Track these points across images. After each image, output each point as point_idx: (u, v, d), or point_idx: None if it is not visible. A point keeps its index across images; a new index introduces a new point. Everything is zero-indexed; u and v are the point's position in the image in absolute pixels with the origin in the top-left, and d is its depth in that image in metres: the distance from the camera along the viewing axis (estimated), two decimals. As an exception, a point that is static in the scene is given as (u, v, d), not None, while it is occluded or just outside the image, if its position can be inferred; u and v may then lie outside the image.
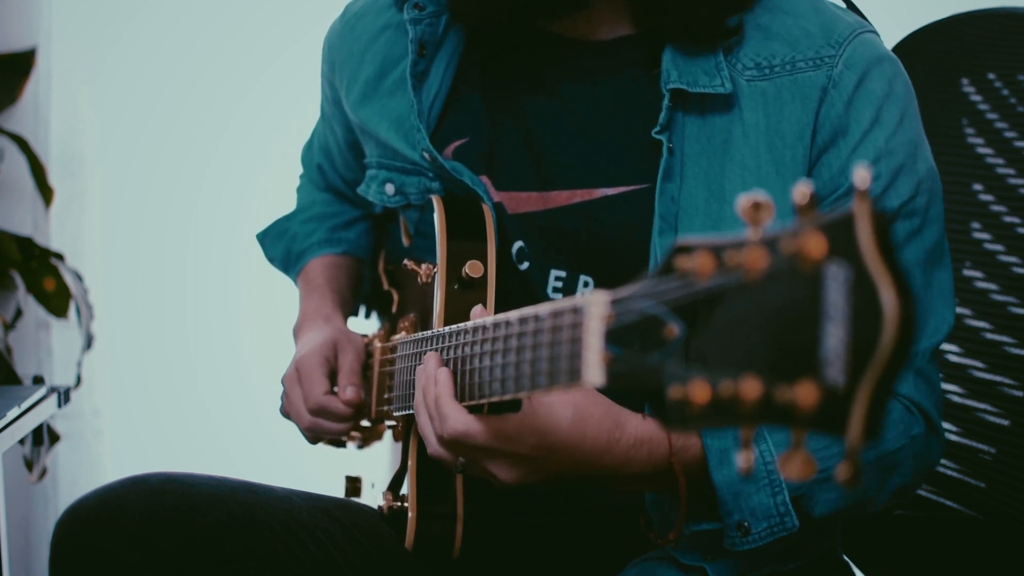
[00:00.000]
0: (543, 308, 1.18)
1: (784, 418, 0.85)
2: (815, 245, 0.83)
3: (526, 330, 1.21)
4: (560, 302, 1.15)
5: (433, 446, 1.39)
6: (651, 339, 0.97)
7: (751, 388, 0.86)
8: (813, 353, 0.83)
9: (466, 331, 1.36)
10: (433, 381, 1.37)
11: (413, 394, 1.53)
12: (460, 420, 1.33)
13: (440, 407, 1.35)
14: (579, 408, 1.36)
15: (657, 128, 1.52)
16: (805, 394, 0.83)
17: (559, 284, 1.61)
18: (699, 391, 0.90)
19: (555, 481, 1.40)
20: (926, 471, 1.61)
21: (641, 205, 1.55)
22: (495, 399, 1.28)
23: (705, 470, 1.45)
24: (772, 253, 0.86)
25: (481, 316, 1.39)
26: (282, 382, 1.75)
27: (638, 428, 1.40)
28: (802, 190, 0.86)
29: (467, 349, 1.35)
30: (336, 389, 1.70)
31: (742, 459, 0.91)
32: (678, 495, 1.45)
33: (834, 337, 0.82)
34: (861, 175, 0.83)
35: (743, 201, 0.89)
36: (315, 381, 1.69)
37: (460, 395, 1.35)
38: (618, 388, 1.04)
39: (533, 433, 1.33)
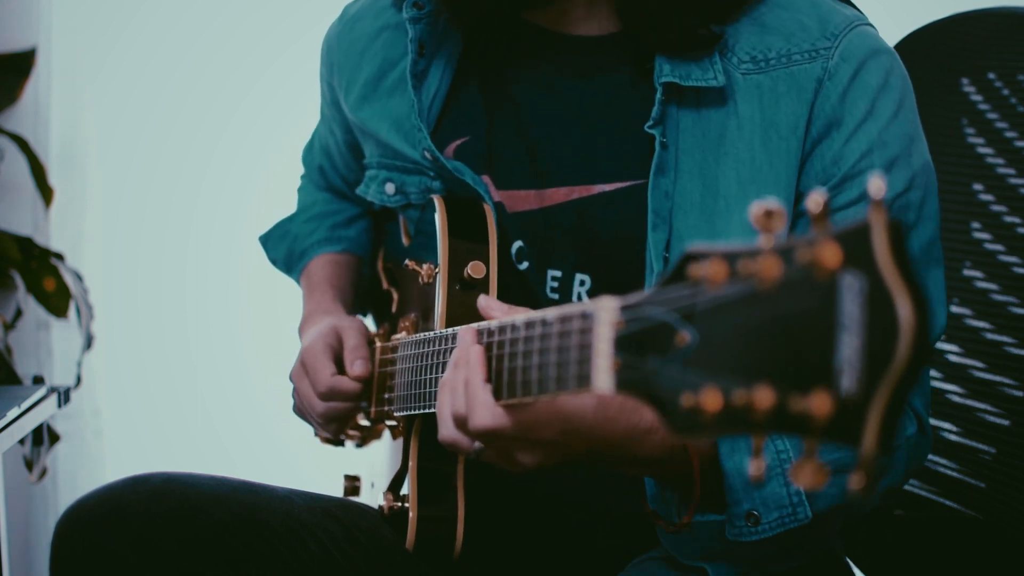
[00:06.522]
0: (550, 313, 1.17)
1: (797, 428, 0.84)
2: (830, 254, 0.83)
3: (533, 335, 1.20)
4: (568, 307, 1.14)
5: (449, 430, 1.33)
6: (662, 346, 0.97)
7: (764, 397, 0.85)
8: (827, 363, 0.83)
9: (470, 334, 1.36)
10: (465, 360, 1.32)
11: (414, 395, 1.53)
12: (490, 414, 1.28)
13: (470, 396, 1.29)
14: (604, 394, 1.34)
15: (650, 122, 1.51)
16: (819, 404, 0.83)
17: (555, 284, 1.61)
18: (711, 399, 0.89)
19: (571, 463, 1.37)
20: (915, 470, 1.60)
21: (637, 201, 1.54)
22: (500, 404, 1.28)
23: (715, 460, 1.42)
24: (786, 262, 0.86)
25: (484, 305, 1.38)
26: (290, 379, 1.74)
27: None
28: (816, 199, 0.86)
29: None
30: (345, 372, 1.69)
31: (753, 467, 0.91)
32: (689, 481, 1.42)
33: (849, 347, 0.82)
34: (876, 184, 0.83)
35: (755, 209, 0.89)
36: (320, 367, 1.67)
37: None
38: (628, 395, 1.04)
39: (559, 419, 1.30)
